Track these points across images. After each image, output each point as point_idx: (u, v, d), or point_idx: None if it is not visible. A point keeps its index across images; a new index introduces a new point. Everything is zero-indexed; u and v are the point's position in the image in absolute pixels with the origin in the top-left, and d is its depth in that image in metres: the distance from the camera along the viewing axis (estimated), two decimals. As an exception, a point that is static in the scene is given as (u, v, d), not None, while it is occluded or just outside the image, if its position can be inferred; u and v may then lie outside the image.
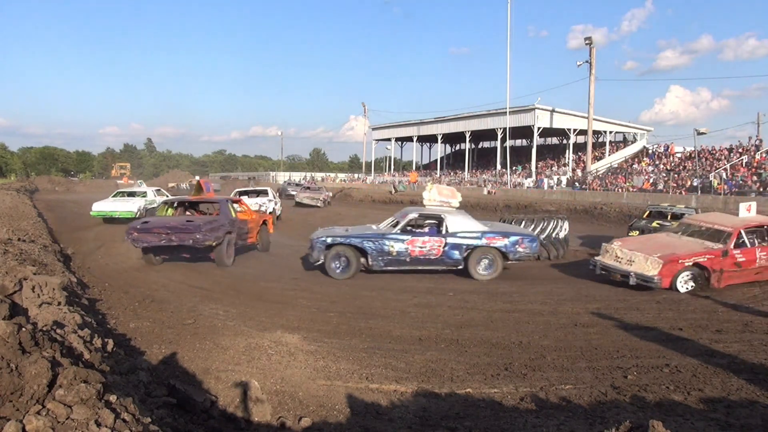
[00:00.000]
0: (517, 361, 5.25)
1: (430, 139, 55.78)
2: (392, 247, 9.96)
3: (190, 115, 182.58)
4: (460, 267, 10.01)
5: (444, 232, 10.12)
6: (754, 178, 25.81)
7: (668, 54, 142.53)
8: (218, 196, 13.31)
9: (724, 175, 26.82)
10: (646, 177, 31.35)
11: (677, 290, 8.57)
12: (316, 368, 4.95)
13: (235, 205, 12.48)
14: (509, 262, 10.17)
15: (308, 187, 35.63)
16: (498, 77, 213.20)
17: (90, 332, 4.31)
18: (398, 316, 7.10)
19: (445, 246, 9.95)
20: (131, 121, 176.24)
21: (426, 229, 10.53)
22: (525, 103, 40.39)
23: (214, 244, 10.53)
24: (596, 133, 39.52)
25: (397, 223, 10.44)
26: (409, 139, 56.20)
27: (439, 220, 10.35)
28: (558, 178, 37.28)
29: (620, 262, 9.20)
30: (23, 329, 3.07)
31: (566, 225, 12.82)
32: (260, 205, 20.17)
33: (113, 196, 21.27)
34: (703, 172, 29.03)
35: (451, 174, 50.74)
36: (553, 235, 12.64)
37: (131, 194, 21.53)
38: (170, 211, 12.33)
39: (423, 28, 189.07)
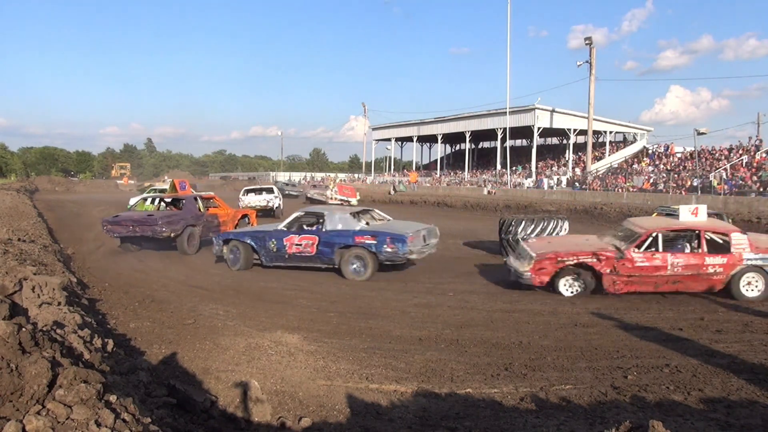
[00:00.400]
0: (517, 361, 5.25)
1: (430, 139, 55.78)
2: (273, 243, 10.33)
3: (190, 115, 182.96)
4: (336, 266, 9.90)
5: (321, 230, 10.13)
6: (754, 178, 25.81)
7: (668, 54, 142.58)
8: (186, 194, 14.81)
9: (724, 175, 26.82)
10: (646, 177, 31.34)
11: (559, 292, 8.17)
12: (316, 368, 4.95)
13: (206, 201, 14.05)
14: (386, 263, 9.68)
15: (315, 186, 41.73)
16: (498, 77, 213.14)
17: (90, 332, 4.31)
18: (398, 316, 7.10)
19: (318, 244, 9.96)
20: (131, 121, 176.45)
21: (313, 228, 10.49)
22: (525, 103, 40.41)
23: (171, 235, 12.14)
24: (596, 133, 39.51)
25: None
26: (409, 139, 56.19)
27: (322, 218, 10.36)
28: (558, 178, 37.27)
29: (517, 258, 9.02)
30: (23, 329, 3.07)
31: (566, 225, 12.80)
32: (268, 201, 23.02)
33: (147, 193, 24.44)
34: (703, 172, 29.03)
35: (451, 174, 50.74)
36: (553, 235, 12.64)
37: (162, 191, 24.60)
38: (150, 206, 14.34)
39: (423, 28, 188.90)
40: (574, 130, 39.91)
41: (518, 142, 51.86)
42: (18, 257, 7.73)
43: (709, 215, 11.67)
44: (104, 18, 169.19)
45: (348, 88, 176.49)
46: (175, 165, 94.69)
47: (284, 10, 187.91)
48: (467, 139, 47.08)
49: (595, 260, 8.12)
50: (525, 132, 43.61)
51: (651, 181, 30.40)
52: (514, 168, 42.76)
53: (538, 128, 39.75)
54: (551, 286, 8.30)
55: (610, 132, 42.57)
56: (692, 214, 8.67)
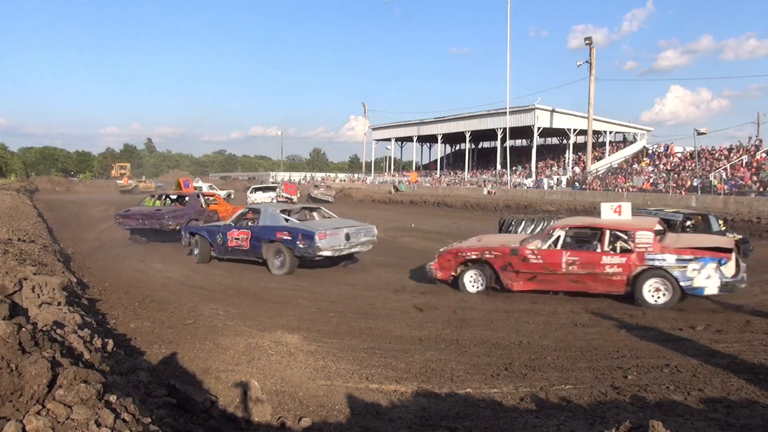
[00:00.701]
0: (517, 361, 5.25)
1: (430, 139, 55.77)
2: (220, 237, 11.02)
3: (190, 115, 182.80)
4: (265, 259, 10.39)
5: (255, 225, 10.69)
6: (754, 178, 25.81)
7: (668, 54, 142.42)
8: (189, 191, 16.90)
9: (724, 175, 26.82)
10: (646, 177, 31.35)
11: (465, 289, 8.35)
12: (316, 368, 4.95)
13: (207, 198, 15.86)
14: (303, 258, 10.04)
15: (316, 186, 42.96)
16: (498, 77, 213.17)
17: (90, 332, 4.31)
18: (398, 316, 7.10)
19: (251, 239, 10.51)
20: (131, 121, 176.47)
21: (252, 224, 11.00)
22: (525, 103, 40.42)
23: (177, 227, 13.29)
24: (596, 133, 39.50)
25: None
26: (409, 139, 56.19)
27: (258, 215, 10.98)
28: (558, 178, 37.27)
29: None
30: (23, 329, 3.07)
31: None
32: (272, 199, 25.23)
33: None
34: (703, 172, 29.03)
35: (451, 174, 50.73)
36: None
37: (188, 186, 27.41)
38: (157, 202, 15.52)
39: (423, 28, 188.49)
40: (574, 130, 39.90)
41: (518, 142, 51.84)
42: (18, 257, 7.72)
43: (690, 216, 10.87)
44: (104, 18, 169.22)
45: (348, 88, 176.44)
46: (175, 165, 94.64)
47: (284, 10, 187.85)
48: (467, 139, 47.07)
49: (492, 256, 8.11)
50: (525, 132, 43.59)
51: (651, 181, 30.41)
52: (514, 168, 42.75)
53: (538, 128, 39.74)
54: (457, 282, 8.45)
55: (610, 132, 42.57)
56: (615, 212, 8.39)
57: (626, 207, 8.38)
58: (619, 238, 7.81)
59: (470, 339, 6.01)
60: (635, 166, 35.36)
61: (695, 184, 27.02)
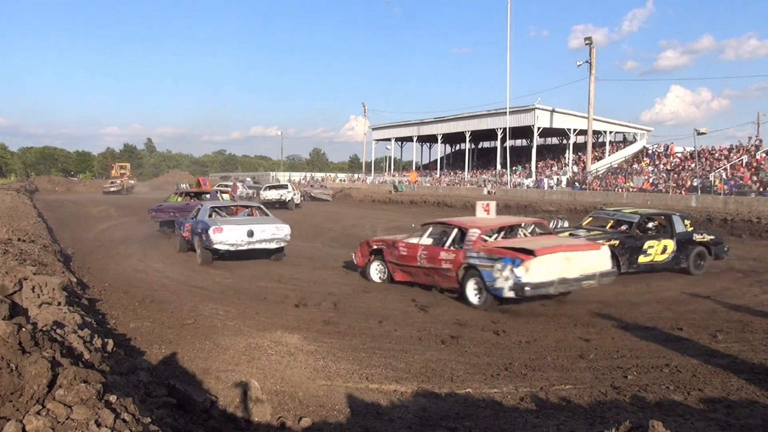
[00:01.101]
0: (517, 361, 5.25)
1: (430, 139, 55.75)
2: (180, 229, 12.56)
3: (190, 115, 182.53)
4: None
5: (193, 219, 11.94)
6: (754, 178, 25.81)
7: (669, 54, 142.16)
8: (208, 189, 20.18)
9: (724, 175, 26.81)
10: (646, 177, 31.35)
11: (371, 278, 8.98)
12: (316, 368, 4.95)
13: (224, 195, 18.83)
14: (214, 252, 10.90)
15: (312, 185, 45.08)
16: (498, 77, 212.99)
17: (90, 332, 4.31)
18: (398, 316, 7.09)
19: (191, 231, 11.69)
20: (131, 121, 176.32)
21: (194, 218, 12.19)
22: (525, 103, 40.40)
23: None
24: (596, 133, 39.47)
25: None
26: (409, 139, 56.17)
27: (198, 210, 12.27)
28: (558, 178, 37.26)
29: None
30: (23, 329, 3.07)
31: (566, 225, 12.78)
32: (280, 195, 27.67)
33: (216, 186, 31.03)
34: (703, 172, 29.03)
35: (451, 174, 50.73)
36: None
37: (226, 186, 30.54)
38: (179, 198, 18.06)
39: (424, 28, 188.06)
40: (574, 130, 39.89)
41: (518, 142, 51.77)
42: (18, 257, 7.71)
43: (652, 217, 10.53)
44: (104, 18, 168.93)
45: (348, 88, 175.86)
46: (175, 165, 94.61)
47: (285, 11, 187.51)
48: (467, 139, 47.06)
49: (384, 247, 8.54)
50: (525, 132, 43.58)
51: (651, 181, 30.40)
52: (514, 168, 42.74)
53: (538, 128, 39.72)
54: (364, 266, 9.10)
55: (610, 132, 42.54)
56: (484, 210, 8.84)
57: (493, 205, 8.91)
58: (461, 235, 7.95)
59: (470, 339, 6.01)
60: (635, 166, 35.36)
61: (695, 184, 27.01)
